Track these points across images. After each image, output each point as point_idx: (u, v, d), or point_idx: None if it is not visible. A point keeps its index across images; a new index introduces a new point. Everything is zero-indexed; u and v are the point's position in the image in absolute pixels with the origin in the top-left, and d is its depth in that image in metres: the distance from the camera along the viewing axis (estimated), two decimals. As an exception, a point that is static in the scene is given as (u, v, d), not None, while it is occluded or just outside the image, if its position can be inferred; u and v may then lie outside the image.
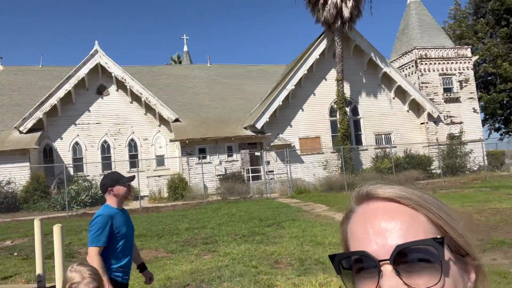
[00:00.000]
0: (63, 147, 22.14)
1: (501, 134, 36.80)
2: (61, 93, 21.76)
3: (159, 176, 21.96)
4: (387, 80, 24.87)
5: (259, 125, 21.76)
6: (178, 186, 20.02)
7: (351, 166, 21.84)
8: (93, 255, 2.77)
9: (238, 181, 20.04)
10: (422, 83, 25.54)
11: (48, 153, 22.00)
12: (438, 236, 0.53)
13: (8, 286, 6.13)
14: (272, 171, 22.08)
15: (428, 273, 0.51)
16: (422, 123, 25.14)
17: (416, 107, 25.21)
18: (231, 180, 19.88)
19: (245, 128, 22.48)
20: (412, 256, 0.52)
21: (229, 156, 22.04)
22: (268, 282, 5.56)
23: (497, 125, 36.92)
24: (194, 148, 21.50)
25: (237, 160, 22.00)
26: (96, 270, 2.13)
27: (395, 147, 23.49)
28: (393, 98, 25.07)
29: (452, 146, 23.99)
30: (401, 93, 24.98)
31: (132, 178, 3.13)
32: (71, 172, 21.44)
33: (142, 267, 3.31)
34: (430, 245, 0.52)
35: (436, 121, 24.98)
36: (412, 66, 26.14)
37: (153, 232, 10.33)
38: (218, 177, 20.92)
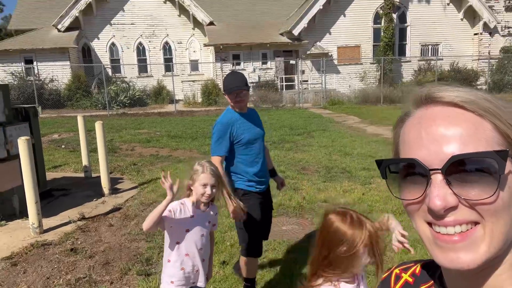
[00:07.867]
0: (100, 47, 22.37)
1: None
2: (94, -10, 21.24)
3: (193, 81, 22.11)
4: (444, -17, 22.15)
5: (296, 32, 20.66)
6: (211, 92, 20.23)
7: (390, 78, 20.88)
8: (215, 164, 2.59)
9: (271, 89, 19.89)
10: (484, -14, 22.58)
11: (87, 53, 22.40)
12: (502, 149, 0.47)
13: (59, 174, 6.82)
14: (307, 81, 21.60)
15: (483, 184, 0.46)
16: (475, 34, 22.88)
17: (471, 15, 22.71)
18: (264, 88, 19.75)
19: (281, 34, 21.46)
20: (468, 166, 0.47)
21: (263, 63, 21.56)
22: (294, 185, 5.84)
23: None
24: (228, 54, 21.08)
25: (271, 68, 21.54)
26: (218, 171, 2.14)
27: (442, 59, 21.90)
28: (448, 4, 22.55)
29: (504, 61, 21.99)
30: (457, -1, 22.40)
31: (239, 88, 2.63)
32: (109, 73, 21.97)
33: (272, 173, 3.10)
34: (490, 158, 0.46)
35: (492, 32, 22.60)
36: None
37: (187, 134, 10.81)
38: (252, 84, 20.78)
